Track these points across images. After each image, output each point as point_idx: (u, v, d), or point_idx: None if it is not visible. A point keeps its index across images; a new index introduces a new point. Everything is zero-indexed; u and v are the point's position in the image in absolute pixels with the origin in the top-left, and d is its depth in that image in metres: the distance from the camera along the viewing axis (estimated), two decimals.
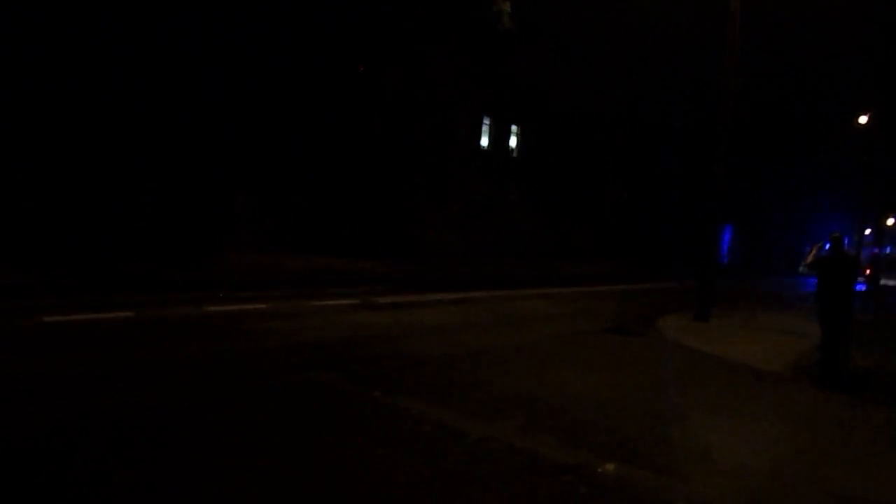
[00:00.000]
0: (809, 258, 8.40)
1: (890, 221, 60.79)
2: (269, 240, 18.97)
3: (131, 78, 15.11)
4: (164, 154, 16.32)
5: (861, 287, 23.07)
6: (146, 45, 15.12)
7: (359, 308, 10.65)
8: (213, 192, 17.45)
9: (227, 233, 17.65)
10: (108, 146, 15.33)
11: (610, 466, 4.13)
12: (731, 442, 4.95)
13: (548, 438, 4.56)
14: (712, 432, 5.12)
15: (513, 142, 31.43)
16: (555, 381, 6.39)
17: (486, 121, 29.47)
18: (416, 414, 4.81)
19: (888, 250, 57.08)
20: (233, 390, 5.22)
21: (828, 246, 7.91)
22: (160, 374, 5.52)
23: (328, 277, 15.24)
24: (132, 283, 11.38)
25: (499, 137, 30.32)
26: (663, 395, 6.23)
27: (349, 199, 20.86)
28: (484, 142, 29.73)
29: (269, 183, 19.19)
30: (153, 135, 15.93)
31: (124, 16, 14.57)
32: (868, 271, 28.14)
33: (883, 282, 30.86)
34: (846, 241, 8.24)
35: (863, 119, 36.08)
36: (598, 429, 4.89)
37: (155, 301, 9.44)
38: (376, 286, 14.27)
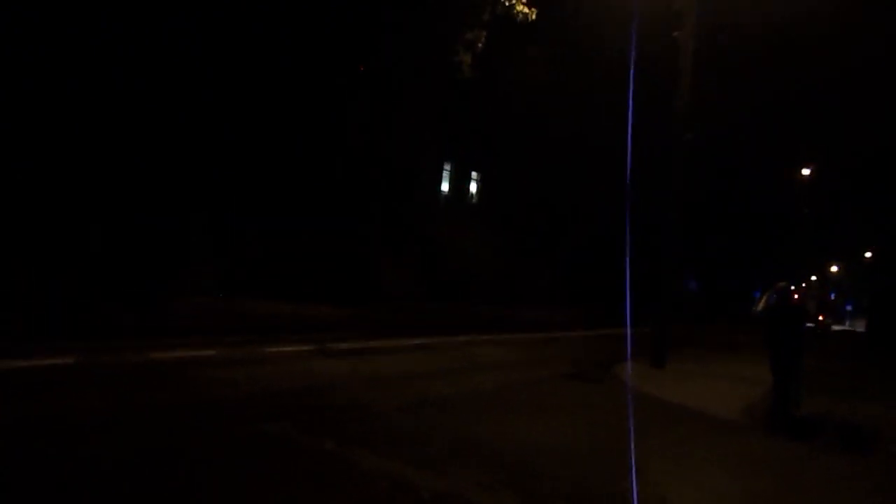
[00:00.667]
0: (760, 304, 8.61)
1: (834, 269, 63.46)
2: (224, 283, 18.48)
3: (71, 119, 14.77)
4: (113, 193, 15.86)
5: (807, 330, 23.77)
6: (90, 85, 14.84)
7: (315, 355, 10.38)
8: (166, 234, 16.99)
9: (180, 275, 17.14)
10: (63, 185, 14.87)
11: None
12: (689, 493, 4.92)
13: (508, 493, 4.43)
14: (671, 482, 5.09)
15: (473, 187, 31.92)
16: (514, 430, 6.29)
17: (447, 166, 29.93)
18: (369, 468, 4.63)
19: (832, 296, 59.39)
20: (175, 444, 4.94)
21: (775, 296, 8.14)
22: (98, 427, 5.20)
23: (283, 322, 14.88)
24: (76, 326, 10.85)
25: (459, 183, 30.77)
26: (622, 443, 6.18)
27: (307, 241, 20.61)
28: (445, 187, 30.09)
29: (223, 225, 18.84)
30: (102, 169, 15.52)
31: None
32: (821, 317, 29.20)
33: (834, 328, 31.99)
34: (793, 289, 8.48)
35: (805, 171, 37.96)
36: (559, 481, 4.79)
37: (99, 347, 8.99)
38: (333, 332, 13.99)
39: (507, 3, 11.58)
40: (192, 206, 17.68)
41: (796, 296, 8.33)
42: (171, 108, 16.24)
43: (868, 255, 43.74)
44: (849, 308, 71.92)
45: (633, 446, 6.08)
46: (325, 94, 19.37)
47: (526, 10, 11.59)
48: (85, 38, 14.18)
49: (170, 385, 7.01)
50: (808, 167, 37.44)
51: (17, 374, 6.86)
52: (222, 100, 17.24)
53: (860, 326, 50.37)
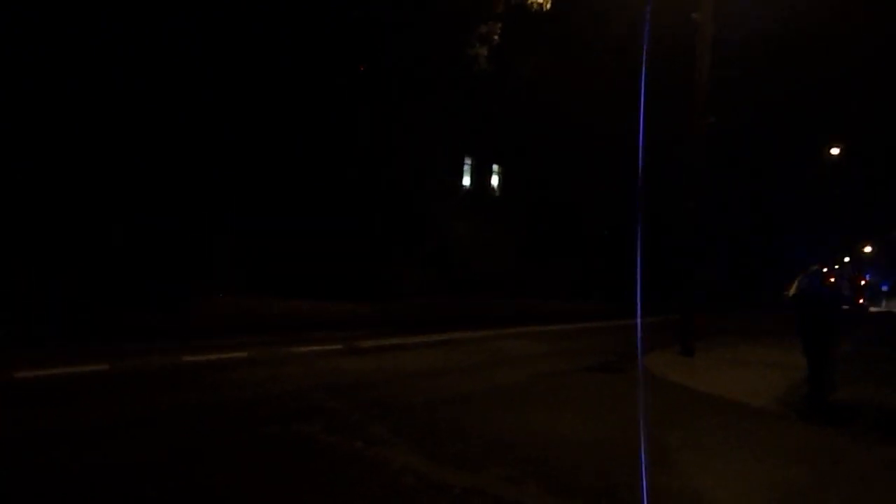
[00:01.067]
0: (792, 289, 8.44)
1: (867, 249, 62.01)
2: (248, 282, 18.71)
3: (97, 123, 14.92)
4: (138, 196, 16.07)
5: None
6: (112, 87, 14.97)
7: (342, 353, 10.46)
8: (187, 235, 17.21)
9: (206, 276, 17.37)
10: (81, 186, 15.09)
11: None
12: (724, 484, 4.84)
13: (535, 488, 4.41)
14: (704, 474, 5.01)
15: (494, 181, 31.77)
16: (540, 424, 6.26)
17: (468, 161, 29.82)
18: (398, 466, 4.65)
19: (867, 278, 58.06)
20: (209, 445, 5.02)
21: (808, 279, 7.96)
22: (135, 431, 5.30)
23: (308, 321, 15.02)
24: (108, 331, 11.08)
25: (480, 176, 30.66)
26: (651, 435, 6.11)
27: (322, 240, 20.74)
28: (466, 181, 29.99)
29: (247, 224, 19.02)
30: (127, 174, 15.72)
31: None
32: (861, 300, 28.58)
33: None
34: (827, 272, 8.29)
35: (834, 150, 37.05)
36: (586, 475, 4.75)
37: (131, 351, 9.18)
38: (358, 329, 14.08)
39: None
40: (211, 207, 17.88)
41: (831, 279, 8.13)
42: (192, 110, 16.40)
43: None
44: (884, 288, 70.27)
45: (662, 437, 6.01)
46: (335, 92, 19.40)
47: (540, 0, 11.47)
48: (85, 38, 14.32)
49: (203, 387, 7.12)
50: (836, 147, 36.51)
51: (52, 381, 7.02)
52: (234, 100, 17.34)
53: None
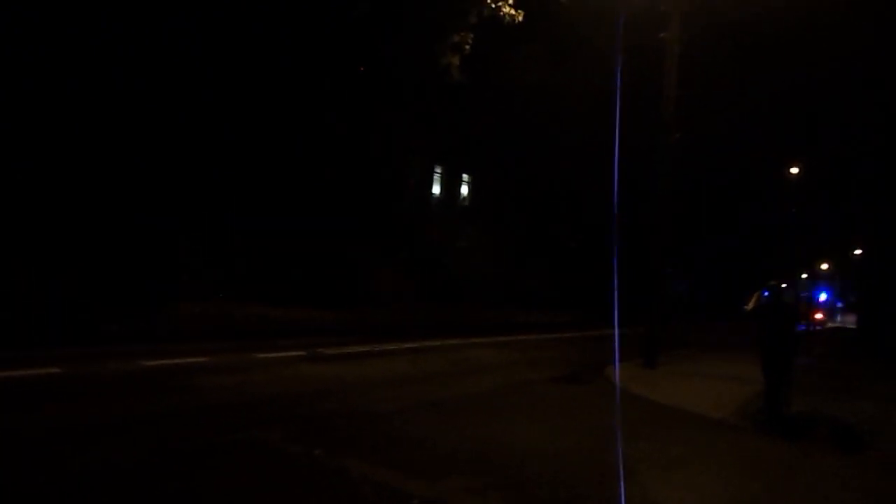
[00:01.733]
0: (751, 303, 8.61)
1: (824, 266, 63.83)
2: (215, 288, 18.34)
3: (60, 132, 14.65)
4: (108, 195, 15.73)
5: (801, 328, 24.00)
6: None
7: (306, 360, 10.31)
8: (158, 236, 16.85)
9: (170, 281, 16.98)
10: (52, 183, 14.74)
11: None
12: (683, 496, 4.90)
13: (497, 500, 4.40)
14: (664, 485, 5.06)
15: (464, 190, 31.92)
16: (505, 434, 6.26)
17: (438, 170, 29.92)
18: (358, 475, 4.58)
19: (826, 295, 59.82)
20: (165, 453, 4.88)
21: (766, 294, 8.14)
22: (85, 437, 5.12)
23: (275, 327, 14.80)
24: (63, 335, 10.73)
25: (450, 186, 30.78)
26: (613, 446, 6.15)
27: (296, 244, 20.52)
28: (436, 190, 30.06)
29: (214, 229, 18.70)
30: (98, 171, 15.40)
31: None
32: (821, 316, 29.42)
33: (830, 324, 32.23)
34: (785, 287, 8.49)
35: (794, 170, 38.13)
36: (549, 486, 4.75)
37: (87, 355, 8.90)
38: (325, 336, 13.92)
39: (493, 6, 11.55)
40: (183, 207, 17.55)
41: (804, 304, 8.31)
42: (169, 110, 16.18)
43: (857, 252, 44.00)
44: (839, 305, 72.35)
45: (623, 449, 6.06)
46: (311, 98, 19.33)
47: (512, 11, 11.58)
48: (85, 38, 14.12)
49: (160, 393, 6.93)
50: (795, 166, 37.62)
51: (3, 385, 6.77)
52: (216, 105, 17.18)
53: (850, 323, 50.70)
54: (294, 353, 10.78)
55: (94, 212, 15.66)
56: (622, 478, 5.08)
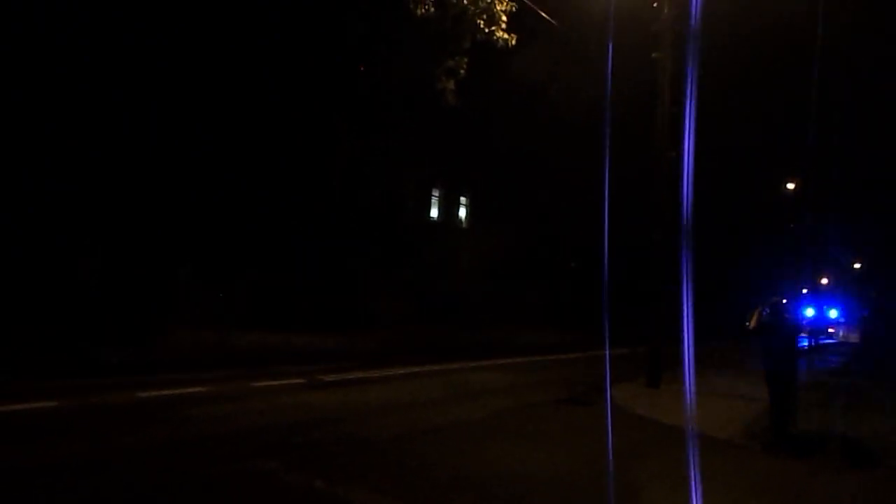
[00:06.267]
0: (752, 320, 8.54)
1: (824, 281, 63.72)
2: (214, 315, 18.23)
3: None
4: (99, 224, 15.74)
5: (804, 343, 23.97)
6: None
7: (306, 388, 10.22)
8: (154, 265, 16.80)
9: (169, 309, 16.90)
10: (45, 210, 14.75)
11: None
12: None
13: None
14: None
15: (462, 212, 32.03)
16: (508, 459, 6.17)
17: (436, 192, 30.07)
18: None
19: (828, 311, 59.59)
20: (161, 485, 4.79)
21: (768, 311, 8.08)
22: (81, 471, 5.04)
23: (274, 354, 14.67)
24: (60, 367, 10.63)
25: (448, 208, 30.92)
26: (619, 469, 6.06)
27: (294, 268, 20.49)
28: (434, 212, 30.19)
29: (213, 256, 18.68)
30: (92, 200, 15.42)
31: None
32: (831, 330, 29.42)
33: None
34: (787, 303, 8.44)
35: (790, 185, 38.27)
36: None
37: (83, 388, 8.80)
38: (325, 362, 13.80)
39: (486, 31, 11.65)
40: (182, 240, 17.55)
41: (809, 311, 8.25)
42: (170, 135, 16.27)
43: (857, 266, 44.00)
44: (842, 320, 72.12)
45: (630, 471, 5.96)
46: (305, 124, 19.47)
47: (506, 35, 11.67)
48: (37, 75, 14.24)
49: (157, 424, 6.83)
50: (792, 182, 37.78)
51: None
52: (212, 131, 17.28)
53: (854, 338, 50.52)
54: (294, 381, 10.67)
55: (92, 237, 15.67)
56: (628, 500, 4.99)
